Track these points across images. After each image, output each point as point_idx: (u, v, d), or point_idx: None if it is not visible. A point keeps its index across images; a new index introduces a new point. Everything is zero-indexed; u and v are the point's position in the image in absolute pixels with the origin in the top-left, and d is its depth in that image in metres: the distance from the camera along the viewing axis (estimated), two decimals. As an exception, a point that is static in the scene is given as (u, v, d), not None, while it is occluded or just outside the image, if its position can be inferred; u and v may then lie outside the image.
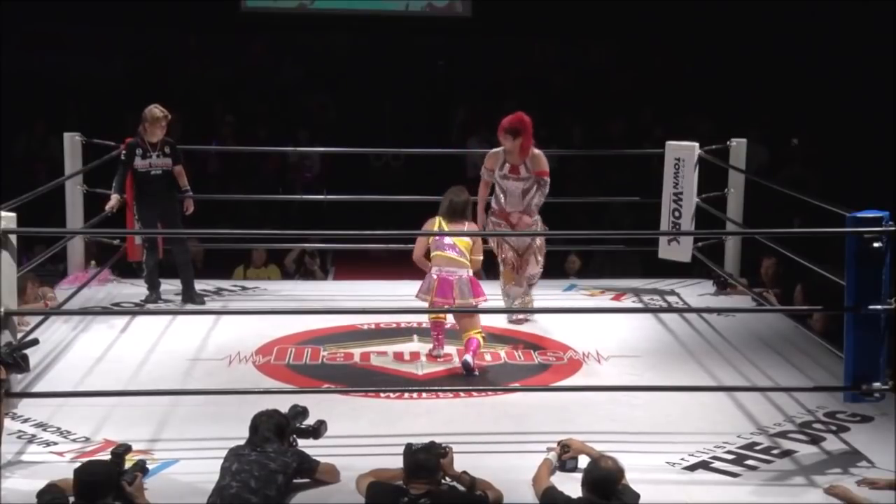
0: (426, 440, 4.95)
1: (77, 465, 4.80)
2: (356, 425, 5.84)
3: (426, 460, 4.78)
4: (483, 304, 7.05)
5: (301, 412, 5.28)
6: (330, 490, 5.04)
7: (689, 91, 14.00)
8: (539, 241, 7.58)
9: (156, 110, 7.74)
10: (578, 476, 4.98)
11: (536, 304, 8.03)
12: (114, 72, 14.51)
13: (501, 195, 7.49)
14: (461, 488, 4.91)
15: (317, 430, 5.24)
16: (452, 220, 6.78)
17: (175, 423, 5.83)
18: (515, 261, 7.52)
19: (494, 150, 7.57)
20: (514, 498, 4.99)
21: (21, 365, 5.25)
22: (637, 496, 4.71)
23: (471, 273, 6.72)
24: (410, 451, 4.82)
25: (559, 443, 5.27)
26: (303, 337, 7.23)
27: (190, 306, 7.92)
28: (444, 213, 6.81)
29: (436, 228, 6.75)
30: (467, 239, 6.70)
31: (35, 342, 5.56)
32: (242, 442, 5.06)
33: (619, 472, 4.68)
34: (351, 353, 7.06)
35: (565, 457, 5.20)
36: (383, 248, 9.48)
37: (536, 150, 7.47)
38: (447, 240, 6.69)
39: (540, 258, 7.61)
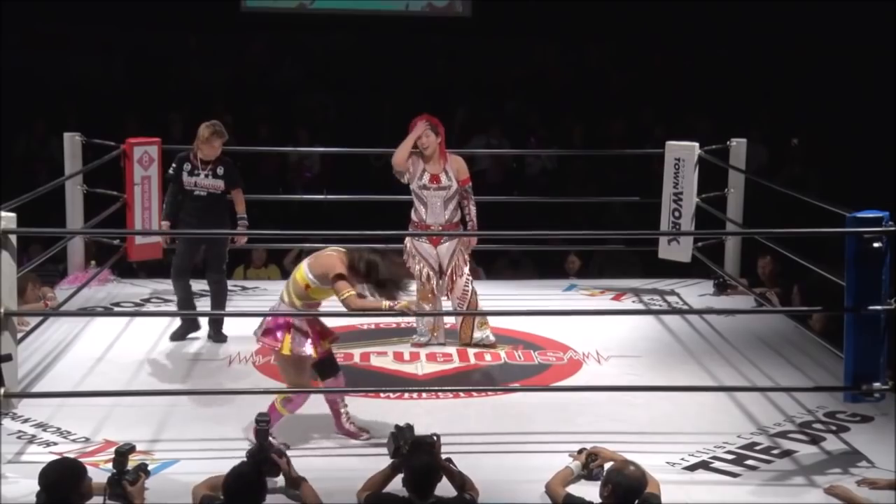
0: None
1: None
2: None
3: (431, 463, 4.74)
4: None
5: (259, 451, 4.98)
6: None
7: (689, 91, 13.99)
8: (463, 249, 7.08)
9: (204, 129, 7.06)
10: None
11: (535, 306, 8.04)
12: (114, 72, 14.50)
13: (421, 207, 7.01)
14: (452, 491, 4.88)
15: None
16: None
17: (175, 423, 5.84)
18: (432, 278, 7.03)
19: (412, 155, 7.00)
20: (514, 498, 4.99)
21: None
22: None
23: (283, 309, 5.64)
24: (406, 460, 4.79)
25: (581, 450, 5.22)
26: (303, 337, 7.23)
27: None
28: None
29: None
30: (307, 274, 5.52)
31: (8, 357, 5.29)
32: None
33: (644, 480, 4.65)
34: (351, 353, 7.06)
35: (594, 465, 5.12)
36: (383, 249, 9.45)
37: (454, 155, 7.14)
38: (300, 264, 5.70)
39: (466, 270, 7.09)
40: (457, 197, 7.04)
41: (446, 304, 7.23)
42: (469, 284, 7.09)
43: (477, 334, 7.10)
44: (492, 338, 7.13)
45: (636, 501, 4.61)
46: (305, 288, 5.54)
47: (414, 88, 14.34)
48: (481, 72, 14.87)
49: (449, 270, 7.05)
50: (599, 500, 4.68)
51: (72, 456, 5.30)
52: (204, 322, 7.34)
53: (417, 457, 4.75)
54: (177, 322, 7.35)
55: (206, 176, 7.10)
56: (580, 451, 5.21)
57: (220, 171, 7.12)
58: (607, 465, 4.98)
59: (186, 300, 7.24)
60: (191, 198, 7.12)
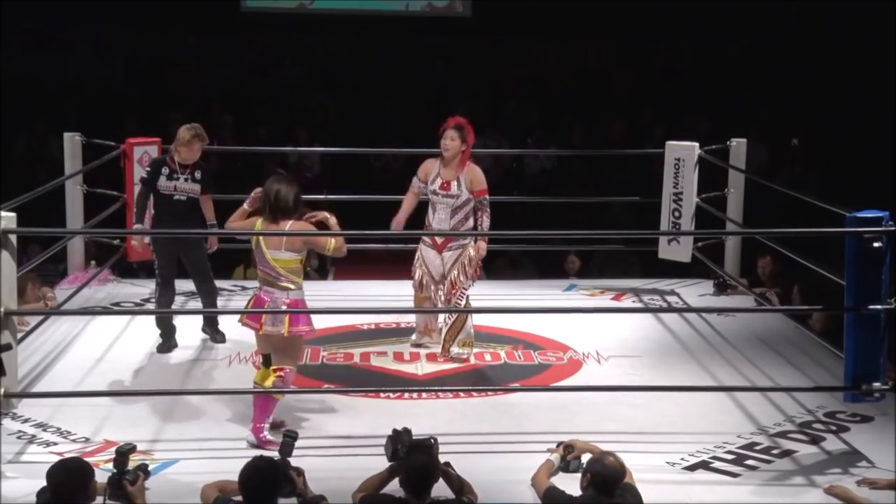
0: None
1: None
2: (356, 425, 5.85)
3: (428, 462, 4.73)
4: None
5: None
6: None
7: (689, 91, 14.00)
8: (467, 263, 6.81)
9: (184, 132, 6.87)
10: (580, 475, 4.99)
11: (535, 306, 8.03)
12: (114, 72, 14.51)
13: (431, 212, 6.87)
14: (450, 493, 4.88)
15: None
16: (274, 218, 5.65)
17: (175, 423, 5.84)
18: (430, 285, 6.88)
19: (430, 159, 6.96)
20: (513, 498, 5.00)
21: None
22: (639, 496, 4.71)
23: (293, 296, 5.64)
24: (403, 460, 4.79)
25: (560, 444, 5.28)
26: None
27: (190, 305, 7.89)
28: (267, 210, 5.67)
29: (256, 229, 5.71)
30: (288, 255, 5.61)
31: (8, 347, 5.29)
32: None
33: (622, 470, 4.69)
34: (351, 353, 7.07)
35: (570, 457, 5.19)
36: (383, 248, 9.45)
37: (474, 165, 6.88)
38: (265, 254, 5.65)
39: (466, 282, 6.82)
40: (467, 208, 6.80)
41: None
42: (463, 300, 6.82)
43: (454, 349, 6.86)
44: (464, 356, 6.86)
45: (615, 491, 4.65)
46: (300, 263, 5.66)
47: (414, 88, 14.35)
48: (481, 72, 14.88)
49: (448, 280, 6.82)
50: (580, 493, 4.71)
51: (73, 456, 5.31)
52: (190, 326, 7.28)
53: (414, 457, 4.75)
54: (177, 322, 7.27)
55: (186, 180, 6.92)
56: (559, 445, 5.27)
57: (198, 175, 6.96)
58: (584, 458, 5.07)
59: (167, 309, 7.09)
60: (170, 202, 6.91)
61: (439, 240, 6.84)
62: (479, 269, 6.96)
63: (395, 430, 5.03)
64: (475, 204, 6.81)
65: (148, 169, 7.10)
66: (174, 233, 7.11)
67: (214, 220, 7.12)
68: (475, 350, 7.04)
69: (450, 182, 6.79)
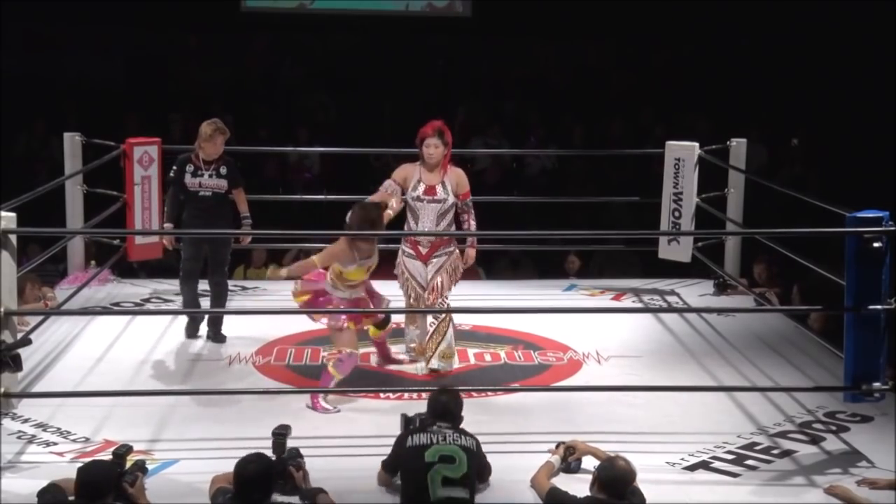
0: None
1: (78, 465, 4.80)
2: (356, 425, 5.86)
3: (450, 402, 5.03)
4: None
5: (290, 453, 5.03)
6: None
7: (689, 91, 14.00)
8: (451, 270, 6.69)
9: (205, 127, 6.96)
10: (580, 476, 5.01)
11: (535, 306, 8.03)
12: (114, 72, 14.50)
13: (413, 221, 6.69)
14: None
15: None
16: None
17: (175, 423, 5.84)
18: (420, 298, 6.67)
19: (406, 164, 6.76)
20: (514, 498, 5.00)
21: (12, 364, 5.21)
22: (644, 498, 4.72)
23: (327, 287, 6.30)
24: (435, 394, 5.11)
25: (561, 444, 5.27)
26: (303, 337, 7.23)
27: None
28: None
29: None
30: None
31: (28, 342, 5.47)
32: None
33: (632, 473, 4.70)
34: (351, 353, 7.06)
35: (572, 458, 5.20)
36: (383, 249, 9.43)
37: (456, 167, 6.75)
38: None
39: (446, 294, 6.67)
40: (452, 212, 6.65)
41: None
42: (444, 306, 6.63)
43: (434, 363, 6.61)
44: (447, 370, 6.66)
45: (624, 494, 4.68)
46: (339, 273, 6.22)
47: (414, 88, 14.35)
48: (481, 72, 14.88)
49: (430, 286, 6.63)
50: (586, 495, 4.73)
51: (73, 456, 5.32)
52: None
53: (438, 396, 5.15)
54: (178, 322, 7.34)
55: (211, 176, 7.00)
56: (558, 446, 5.28)
57: (223, 170, 7.03)
58: (585, 459, 5.16)
59: (193, 303, 7.21)
60: (195, 199, 7.01)
61: (424, 249, 6.69)
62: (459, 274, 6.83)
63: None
64: (461, 207, 6.71)
65: (174, 168, 7.13)
66: (172, 233, 7.21)
67: (248, 213, 7.19)
68: (475, 350, 7.06)
69: (435, 186, 6.63)
